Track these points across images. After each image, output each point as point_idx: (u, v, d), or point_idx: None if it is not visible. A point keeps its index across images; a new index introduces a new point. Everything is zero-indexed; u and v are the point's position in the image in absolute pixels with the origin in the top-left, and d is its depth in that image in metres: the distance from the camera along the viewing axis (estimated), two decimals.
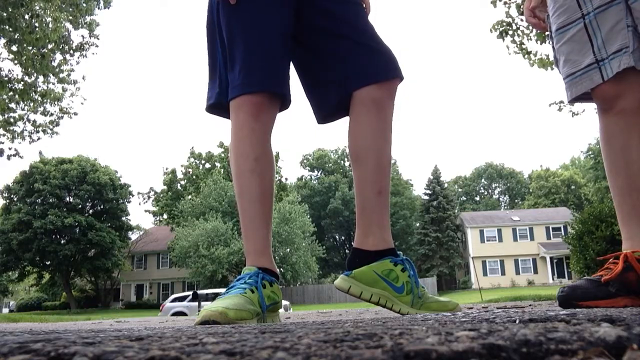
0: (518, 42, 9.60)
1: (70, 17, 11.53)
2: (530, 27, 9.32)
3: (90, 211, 39.36)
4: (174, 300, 20.45)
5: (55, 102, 12.22)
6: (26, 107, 12.05)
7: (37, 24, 10.67)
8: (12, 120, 11.93)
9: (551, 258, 38.21)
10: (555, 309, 1.68)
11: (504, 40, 9.62)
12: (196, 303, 17.67)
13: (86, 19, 11.91)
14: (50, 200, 36.93)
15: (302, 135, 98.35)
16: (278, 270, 1.67)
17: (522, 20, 9.56)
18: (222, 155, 46.27)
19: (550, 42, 1.76)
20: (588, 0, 1.57)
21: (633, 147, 1.58)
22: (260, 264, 1.62)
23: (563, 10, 1.64)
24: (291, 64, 1.77)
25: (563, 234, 33.92)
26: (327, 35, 1.70)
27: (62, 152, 61.09)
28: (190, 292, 20.14)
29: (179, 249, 33.76)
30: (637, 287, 1.50)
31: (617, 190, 1.62)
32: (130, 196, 41.53)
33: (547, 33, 1.80)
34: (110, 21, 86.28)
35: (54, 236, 36.58)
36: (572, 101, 1.68)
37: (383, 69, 1.66)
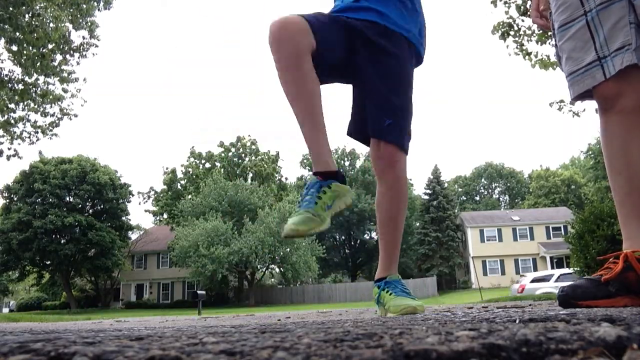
0: (519, 43, 9.60)
1: (71, 17, 11.52)
2: (532, 28, 9.31)
3: (90, 211, 39.32)
4: (535, 280, 17.23)
5: (55, 103, 12.21)
6: (26, 108, 12.04)
7: (37, 24, 10.66)
8: (12, 121, 11.93)
9: (551, 258, 38.19)
10: (555, 309, 1.67)
11: (505, 41, 9.61)
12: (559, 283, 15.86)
13: (87, 19, 11.90)
14: (50, 200, 36.89)
15: (302, 135, 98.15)
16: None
17: (523, 20, 9.55)
18: (222, 154, 46.25)
19: (553, 40, 1.75)
20: None
21: (634, 147, 1.57)
22: (320, 169, 1.88)
23: (565, 7, 1.62)
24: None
25: (563, 233, 33.90)
26: (367, 77, 2.00)
27: (62, 152, 61.10)
28: (555, 271, 17.73)
29: (179, 249, 33.74)
30: (637, 287, 1.50)
31: (618, 190, 1.61)
32: (130, 196, 41.49)
33: (550, 33, 1.79)
34: (110, 21, 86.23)
35: (54, 236, 36.55)
36: (575, 99, 1.66)
37: (384, 130, 1.98)
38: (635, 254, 1.52)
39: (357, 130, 2.12)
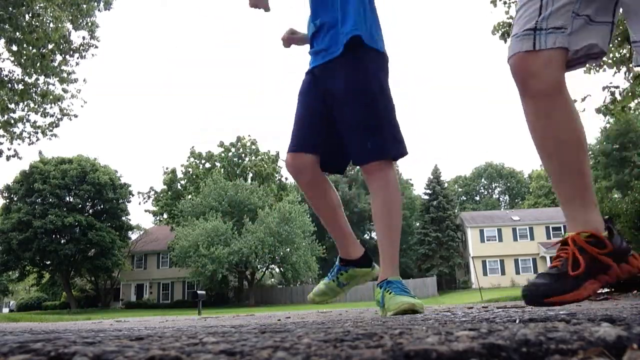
0: None
1: (71, 17, 11.52)
2: None
3: (90, 211, 39.31)
4: None
5: (55, 103, 12.21)
6: (26, 108, 12.04)
7: (37, 24, 10.66)
8: (12, 121, 11.92)
9: (551, 258, 38.09)
10: (555, 309, 1.68)
11: (505, 41, 9.62)
12: None
13: (87, 20, 11.90)
14: (50, 200, 36.88)
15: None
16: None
17: None
18: (222, 154, 46.24)
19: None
20: None
21: (558, 129, 1.55)
22: (342, 256, 2.42)
23: None
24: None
25: (563, 233, 33.75)
26: (337, 119, 2.24)
27: (62, 152, 61.04)
28: None
29: (179, 249, 33.72)
30: (593, 267, 1.48)
31: (554, 175, 1.60)
32: (130, 196, 41.47)
33: None
34: (110, 21, 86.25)
35: (54, 236, 36.53)
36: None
37: (365, 154, 2.16)
38: (582, 236, 1.50)
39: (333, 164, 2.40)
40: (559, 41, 1.52)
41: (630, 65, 8.61)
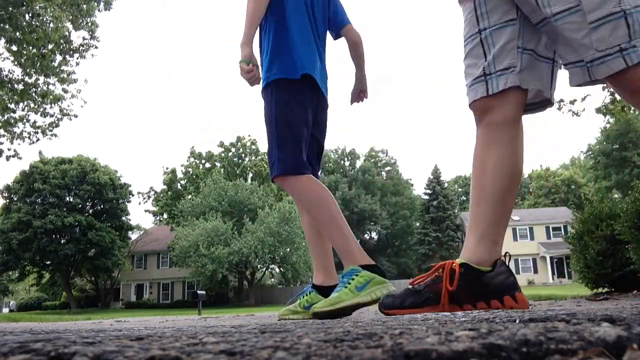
0: None
1: (71, 17, 11.53)
2: None
3: (90, 211, 39.31)
4: None
5: (55, 103, 12.22)
6: (26, 108, 12.05)
7: (37, 24, 10.67)
8: (12, 121, 11.93)
9: (551, 258, 38.17)
10: (555, 309, 1.68)
11: None
12: None
13: (87, 20, 11.91)
14: (50, 200, 36.88)
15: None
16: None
17: None
18: (222, 155, 46.26)
19: None
20: (485, 17, 1.60)
21: (489, 160, 1.61)
22: (314, 281, 2.51)
23: (466, 24, 1.69)
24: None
25: (563, 233, 33.89)
26: None
27: (62, 152, 61.02)
28: None
29: (179, 249, 33.73)
30: (445, 296, 1.52)
31: (471, 198, 1.65)
32: (130, 196, 41.48)
33: None
34: (110, 21, 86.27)
35: (54, 236, 36.54)
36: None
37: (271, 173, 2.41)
38: (456, 265, 1.55)
39: None
40: (511, 80, 1.55)
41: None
